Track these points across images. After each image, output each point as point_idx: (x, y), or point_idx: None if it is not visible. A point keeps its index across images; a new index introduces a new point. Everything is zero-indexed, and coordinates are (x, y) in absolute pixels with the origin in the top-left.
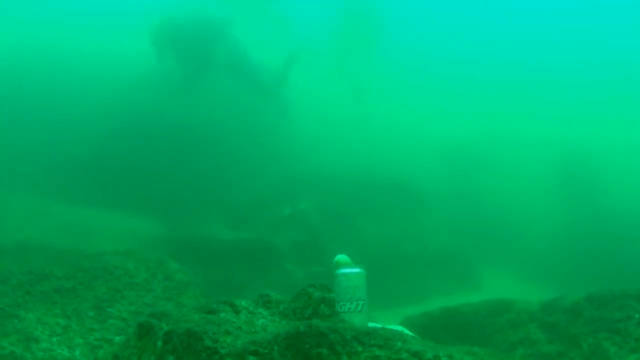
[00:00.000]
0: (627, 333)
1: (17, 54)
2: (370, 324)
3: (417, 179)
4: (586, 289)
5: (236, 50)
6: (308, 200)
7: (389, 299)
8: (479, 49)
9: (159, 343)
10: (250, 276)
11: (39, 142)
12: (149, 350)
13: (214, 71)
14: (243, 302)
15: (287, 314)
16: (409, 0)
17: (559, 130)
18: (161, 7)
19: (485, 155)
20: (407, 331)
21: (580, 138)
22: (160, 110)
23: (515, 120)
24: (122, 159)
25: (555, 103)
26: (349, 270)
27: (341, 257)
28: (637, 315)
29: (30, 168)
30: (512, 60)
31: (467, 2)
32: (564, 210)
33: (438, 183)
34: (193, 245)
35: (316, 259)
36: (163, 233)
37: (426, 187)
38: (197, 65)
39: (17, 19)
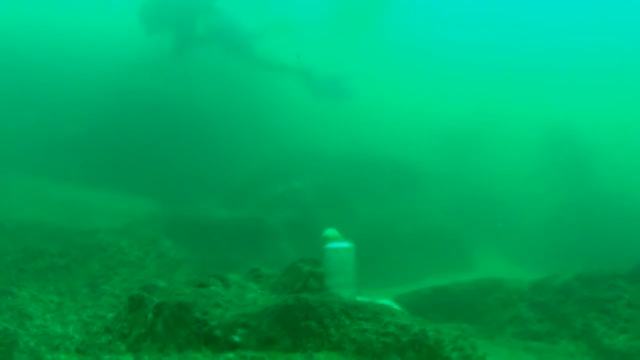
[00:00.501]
0: (616, 313)
1: (11, 33)
2: (359, 298)
3: (412, 160)
4: (577, 270)
5: (229, 26)
6: (302, 179)
7: (382, 278)
8: (472, 31)
9: (150, 315)
10: (244, 254)
11: (35, 121)
12: (140, 323)
13: (206, 47)
14: (234, 277)
15: (277, 288)
16: None
17: (553, 113)
18: None
19: (479, 137)
20: (395, 306)
21: (573, 121)
22: (155, 89)
23: (509, 102)
24: (118, 138)
25: (548, 86)
26: (338, 245)
27: (330, 232)
28: (626, 296)
29: (27, 148)
30: (506, 42)
31: None
32: (557, 191)
33: (432, 164)
34: (188, 224)
35: (310, 238)
36: (158, 212)
37: (421, 168)
38: (187, 41)
39: None
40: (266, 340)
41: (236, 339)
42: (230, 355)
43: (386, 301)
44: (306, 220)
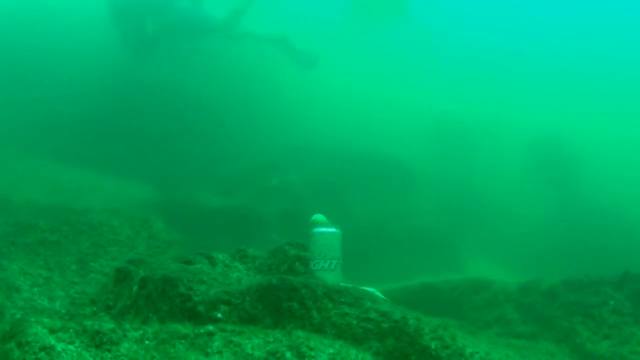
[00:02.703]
0: (601, 319)
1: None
2: (343, 284)
3: (408, 157)
4: (565, 276)
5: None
6: (296, 172)
7: (371, 275)
8: (472, 31)
9: (135, 288)
10: (235, 244)
11: (29, 101)
12: (125, 295)
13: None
14: (220, 256)
15: (262, 269)
16: None
17: (544, 119)
18: None
19: (472, 137)
20: (378, 293)
21: (568, 127)
22: (154, 74)
23: (506, 105)
24: (116, 122)
25: (541, 91)
26: (325, 230)
27: (318, 216)
28: (612, 302)
29: (22, 127)
30: (502, 45)
31: None
32: (546, 197)
33: (428, 162)
34: (180, 211)
35: (301, 231)
36: (151, 197)
37: (416, 166)
38: (182, 27)
39: None
40: (248, 318)
41: (218, 315)
42: (211, 327)
43: (370, 288)
44: (299, 213)
